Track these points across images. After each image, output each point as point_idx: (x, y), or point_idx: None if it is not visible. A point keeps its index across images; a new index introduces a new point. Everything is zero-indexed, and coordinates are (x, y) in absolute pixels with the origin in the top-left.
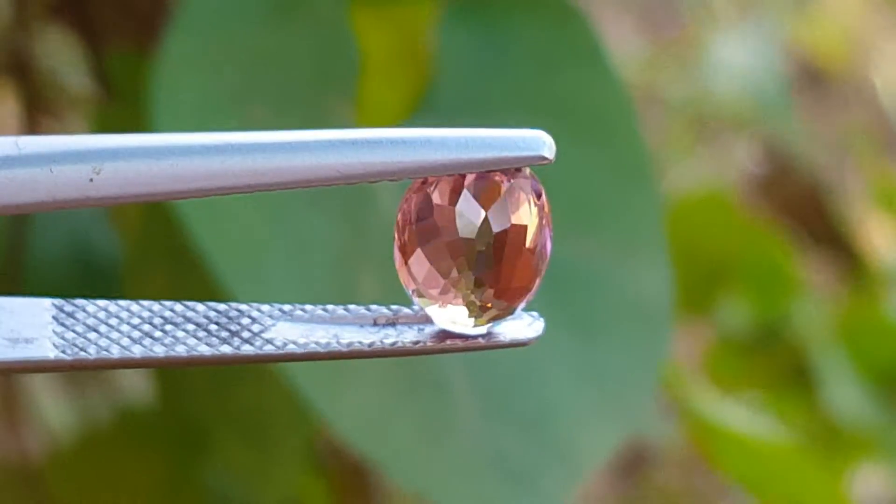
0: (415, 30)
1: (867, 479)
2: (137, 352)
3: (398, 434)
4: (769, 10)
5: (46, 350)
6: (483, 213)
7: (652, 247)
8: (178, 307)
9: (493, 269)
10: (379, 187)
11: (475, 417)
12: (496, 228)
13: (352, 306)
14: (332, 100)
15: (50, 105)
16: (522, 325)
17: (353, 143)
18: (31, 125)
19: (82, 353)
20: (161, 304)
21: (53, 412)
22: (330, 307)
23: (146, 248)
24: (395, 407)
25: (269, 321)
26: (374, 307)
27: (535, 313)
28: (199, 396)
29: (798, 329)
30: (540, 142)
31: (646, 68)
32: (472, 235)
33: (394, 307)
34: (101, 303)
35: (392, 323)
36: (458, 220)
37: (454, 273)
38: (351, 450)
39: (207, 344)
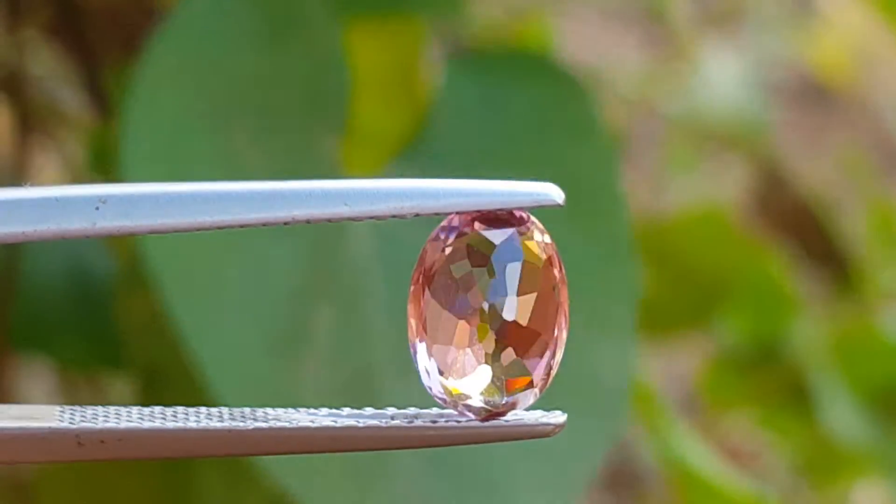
0: (408, 52)
1: (865, 498)
2: (146, 425)
3: (331, 476)
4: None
5: (50, 421)
6: (494, 247)
7: (620, 327)
8: (192, 409)
9: (511, 324)
10: (352, 226)
11: (415, 473)
12: (507, 257)
13: (369, 409)
14: (318, 130)
15: (43, 122)
16: (543, 416)
17: (364, 193)
18: (24, 142)
19: (87, 424)
20: (174, 410)
21: None
22: (346, 409)
23: (137, 272)
24: (338, 480)
25: (283, 414)
26: (391, 409)
27: (556, 411)
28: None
29: (795, 347)
30: (551, 188)
31: (646, 83)
32: (484, 263)
33: (412, 409)
34: (112, 408)
35: (410, 420)
36: (469, 256)
37: (469, 307)
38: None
39: (220, 421)
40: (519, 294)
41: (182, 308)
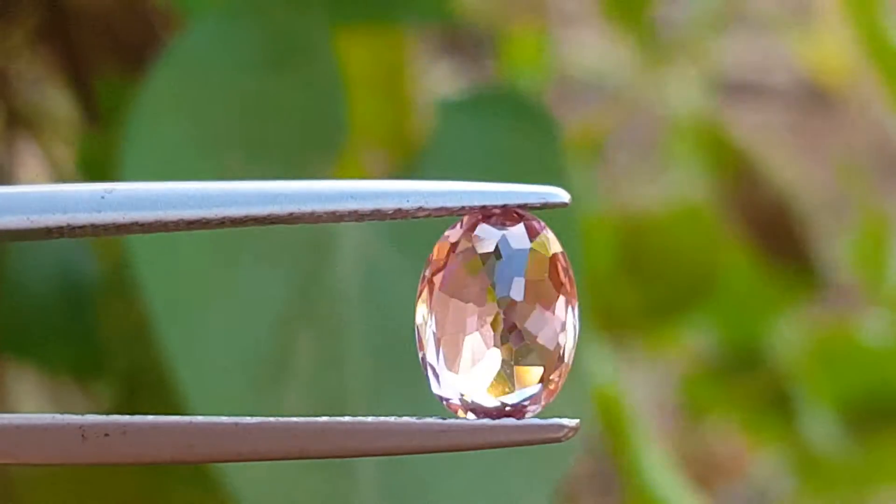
0: (397, 59)
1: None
2: (151, 419)
3: (292, 491)
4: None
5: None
6: (501, 234)
7: (574, 377)
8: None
9: (516, 288)
10: (340, 247)
11: (375, 498)
12: (515, 244)
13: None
14: (314, 159)
15: (31, 127)
16: (559, 419)
17: (373, 194)
18: (10, 145)
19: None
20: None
21: None
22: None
23: (119, 279)
24: (297, 478)
25: None
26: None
27: (564, 419)
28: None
29: (776, 352)
30: (557, 189)
31: (635, 83)
32: (491, 250)
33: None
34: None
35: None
36: (476, 244)
37: (481, 300)
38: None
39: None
40: (527, 277)
41: (167, 327)
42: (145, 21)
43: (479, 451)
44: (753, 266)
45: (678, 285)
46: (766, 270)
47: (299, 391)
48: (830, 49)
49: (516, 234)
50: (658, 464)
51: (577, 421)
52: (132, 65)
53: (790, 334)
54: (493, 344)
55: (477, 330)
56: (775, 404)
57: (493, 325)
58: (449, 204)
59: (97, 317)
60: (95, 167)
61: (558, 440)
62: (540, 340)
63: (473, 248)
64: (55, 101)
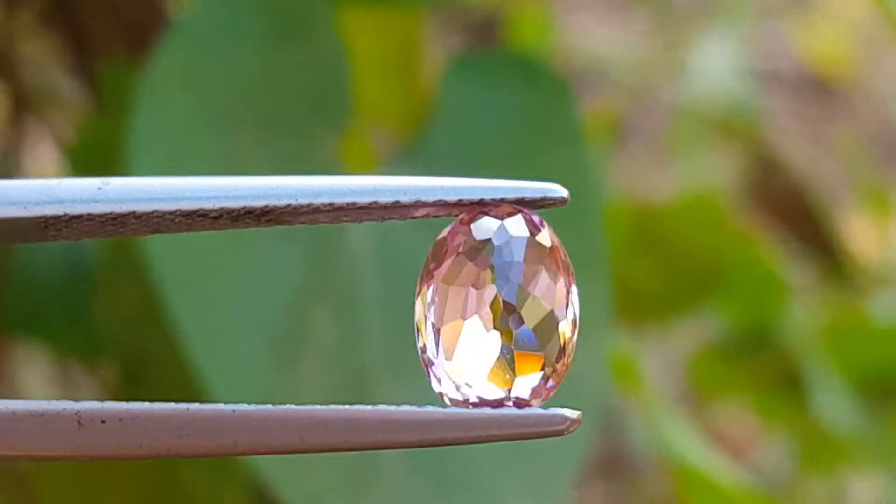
0: (408, 38)
1: (857, 484)
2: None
3: (321, 482)
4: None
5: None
6: (499, 222)
7: (595, 326)
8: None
9: (515, 271)
10: (351, 228)
11: (401, 473)
12: (514, 232)
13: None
14: (321, 131)
15: (38, 109)
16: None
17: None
18: (18, 127)
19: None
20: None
21: None
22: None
23: (123, 262)
24: (321, 455)
25: None
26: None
27: (566, 410)
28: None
29: (788, 334)
30: (556, 185)
31: (647, 70)
32: (490, 236)
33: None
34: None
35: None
36: (474, 232)
37: (480, 283)
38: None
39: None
40: (526, 262)
41: (181, 308)
42: (150, 3)
43: (496, 445)
44: (767, 250)
45: (691, 270)
46: (781, 253)
47: (319, 366)
48: (832, 37)
49: (515, 224)
50: (688, 437)
51: (579, 413)
52: (137, 47)
53: (803, 316)
54: (492, 327)
55: (476, 313)
56: (786, 385)
57: (493, 308)
58: (447, 198)
59: (97, 299)
60: (98, 150)
61: (561, 433)
62: (540, 325)
63: (472, 237)
64: (62, 84)
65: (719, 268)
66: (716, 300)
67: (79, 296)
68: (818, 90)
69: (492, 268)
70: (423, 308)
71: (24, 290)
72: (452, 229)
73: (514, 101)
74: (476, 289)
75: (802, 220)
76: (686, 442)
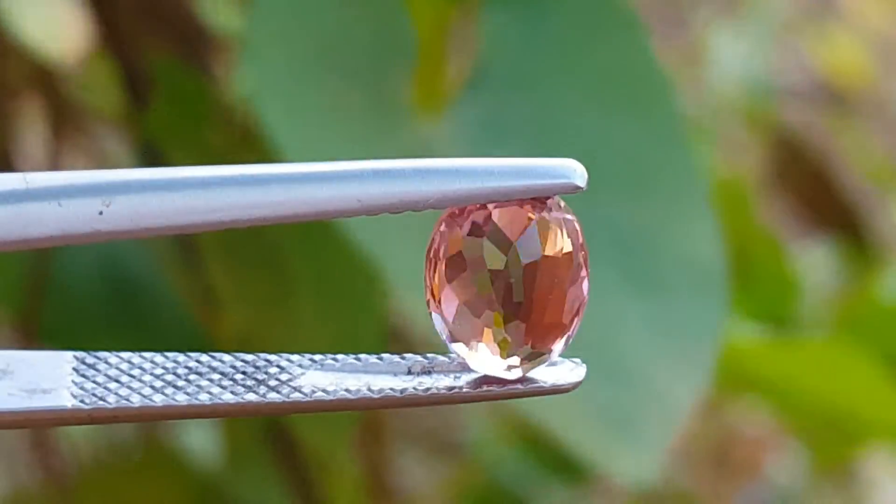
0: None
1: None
2: (159, 400)
3: None
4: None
5: (63, 399)
6: (511, 243)
7: (698, 207)
8: (204, 358)
9: (523, 303)
10: None
11: None
12: (525, 259)
13: (385, 355)
14: (392, 76)
15: (77, 117)
16: (564, 371)
17: (375, 174)
18: (58, 139)
19: (101, 403)
20: (186, 356)
21: (82, 433)
22: (363, 356)
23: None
24: None
25: (297, 370)
26: (408, 356)
27: (576, 359)
28: None
29: (805, 321)
30: (570, 169)
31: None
32: (501, 266)
33: (429, 355)
34: (125, 355)
35: (427, 371)
36: (484, 252)
37: (484, 309)
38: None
39: (232, 392)
40: (539, 244)
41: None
42: (183, 4)
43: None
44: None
45: None
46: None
47: None
48: (847, 50)
49: (528, 241)
50: None
51: (584, 371)
52: (176, 45)
53: (820, 299)
54: (504, 357)
55: (483, 342)
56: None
57: (502, 344)
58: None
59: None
60: (159, 142)
61: (566, 391)
62: (545, 308)
63: (482, 257)
64: (100, 88)
65: (743, 255)
66: (734, 293)
67: (116, 305)
68: (833, 103)
69: (498, 247)
70: (432, 296)
71: (60, 301)
72: (458, 215)
73: (560, 3)
74: (485, 325)
75: (827, 202)
76: None
